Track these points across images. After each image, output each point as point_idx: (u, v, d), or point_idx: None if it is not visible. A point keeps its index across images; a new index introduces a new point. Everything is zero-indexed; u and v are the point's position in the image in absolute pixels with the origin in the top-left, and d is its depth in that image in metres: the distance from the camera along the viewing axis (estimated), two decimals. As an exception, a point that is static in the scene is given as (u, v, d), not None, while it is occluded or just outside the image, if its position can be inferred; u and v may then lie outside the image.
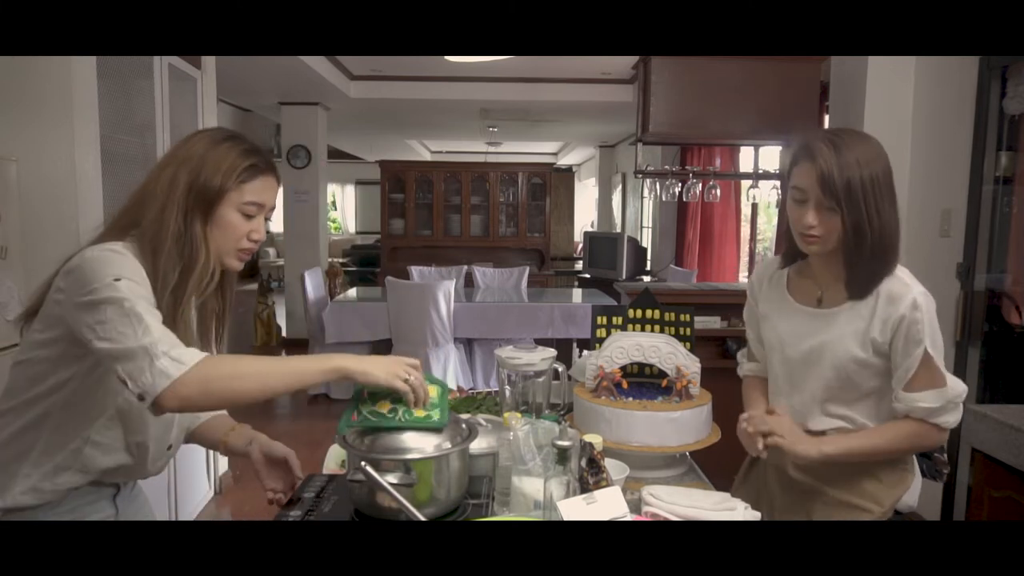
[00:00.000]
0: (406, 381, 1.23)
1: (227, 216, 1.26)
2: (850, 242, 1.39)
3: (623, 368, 1.73)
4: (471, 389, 2.18)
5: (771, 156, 4.17)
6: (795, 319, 1.54)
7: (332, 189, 14.97)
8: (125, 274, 1.14)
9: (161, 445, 1.36)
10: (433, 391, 1.31)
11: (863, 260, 1.41)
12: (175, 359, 1.09)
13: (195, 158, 1.24)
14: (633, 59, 5.55)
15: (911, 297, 1.39)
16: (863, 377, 1.46)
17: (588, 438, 1.32)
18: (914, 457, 1.54)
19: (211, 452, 3.59)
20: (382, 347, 5.15)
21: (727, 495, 1.40)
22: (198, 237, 1.24)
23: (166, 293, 1.20)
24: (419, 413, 1.27)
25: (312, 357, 1.23)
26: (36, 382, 1.22)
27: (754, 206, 5.96)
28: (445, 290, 4.88)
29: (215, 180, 1.23)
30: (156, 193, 1.23)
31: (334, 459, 1.63)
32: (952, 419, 1.42)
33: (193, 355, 1.12)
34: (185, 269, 1.22)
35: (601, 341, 1.83)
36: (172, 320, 1.20)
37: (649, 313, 1.88)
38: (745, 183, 4.95)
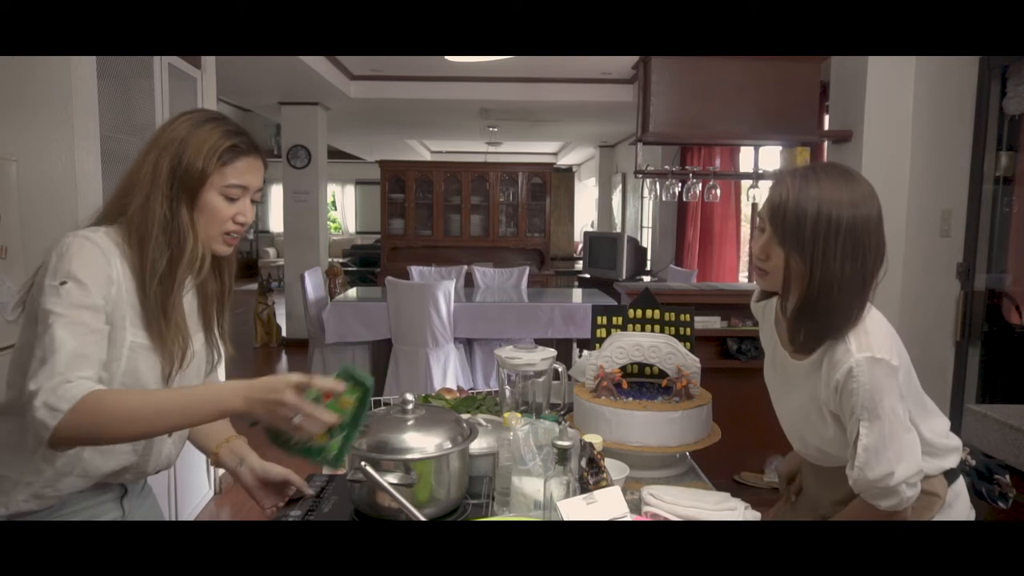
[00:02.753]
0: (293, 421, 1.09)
1: (211, 201, 1.23)
2: (790, 285, 1.27)
3: (623, 368, 1.73)
4: (471, 389, 2.18)
5: (771, 156, 4.17)
6: (776, 362, 1.45)
7: (332, 189, 14.97)
8: (78, 274, 1.13)
9: (161, 442, 1.32)
10: (349, 401, 1.11)
11: (804, 311, 1.27)
12: (52, 407, 1.03)
13: (176, 142, 1.21)
14: (633, 59, 5.55)
15: (847, 365, 1.23)
16: (843, 440, 1.31)
17: (588, 438, 1.32)
18: (945, 480, 1.37)
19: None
20: (382, 347, 5.15)
21: (727, 495, 1.40)
22: (185, 224, 1.21)
23: (155, 282, 1.19)
24: (321, 439, 1.11)
25: (206, 395, 1.12)
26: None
27: (754, 206, 5.95)
28: (445, 290, 4.88)
29: (196, 163, 1.20)
30: (140, 180, 1.21)
31: (334, 459, 1.63)
32: (888, 503, 1.25)
33: (71, 395, 1.04)
34: (173, 258, 1.21)
35: (601, 341, 1.83)
36: (163, 309, 1.20)
37: (649, 313, 1.88)
38: (745, 183, 4.95)
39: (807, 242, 1.23)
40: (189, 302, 1.33)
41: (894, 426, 1.24)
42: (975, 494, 1.44)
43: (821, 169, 1.27)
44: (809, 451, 1.44)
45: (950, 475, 1.38)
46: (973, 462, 1.46)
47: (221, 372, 1.52)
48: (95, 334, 1.13)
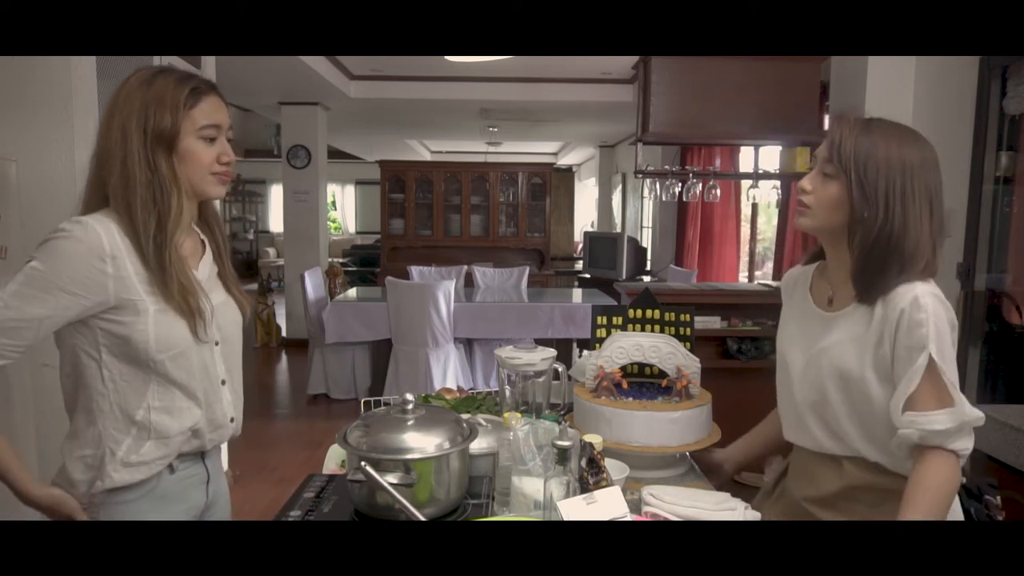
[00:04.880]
0: None
1: (190, 147, 1.26)
2: (856, 224, 1.26)
3: (623, 368, 1.73)
4: (471, 389, 2.18)
5: (771, 156, 4.17)
6: (804, 321, 1.41)
7: (332, 189, 14.98)
8: (45, 256, 1.18)
9: (216, 392, 1.34)
10: None
11: (869, 250, 1.26)
12: None
13: (137, 104, 1.24)
14: (633, 59, 5.55)
15: (912, 294, 1.22)
16: (864, 405, 1.28)
17: (588, 438, 1.32)
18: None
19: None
20: (382, 347, 5.15)
21: (727, 495, 1.40)
22: (167, 178, 1.24)
23: (150, 244, 1.22)
24: None
25: (13, 474, 1.23)
26: (76, 379, 1.25)
27: (754, 206, 5.96)
28: (445, 290, 4.88)
29: (164, 118, 1.23)
30: (112, 150, 1.23)
31: (334, 459, 1.63)
32: (967, 445, 1.21)
33: None
34: (162, 214, 1.24)
35: (601, 341, 1.83)
36: (161, 268, 1.23)
37: (649, 313, 1.88)
38: (745, 183, 4.96)
39: (873, 179, 1.25)
40: (209, 264, 1.38)
41: (953, 377, 1.22)
42: (964, 511, 1.38)
43: (888, 123, 1.31)
44: (813, 428, 1.36)
45: None
46: (963, 479, 1.36)
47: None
48: (14, 322, 1.17)
